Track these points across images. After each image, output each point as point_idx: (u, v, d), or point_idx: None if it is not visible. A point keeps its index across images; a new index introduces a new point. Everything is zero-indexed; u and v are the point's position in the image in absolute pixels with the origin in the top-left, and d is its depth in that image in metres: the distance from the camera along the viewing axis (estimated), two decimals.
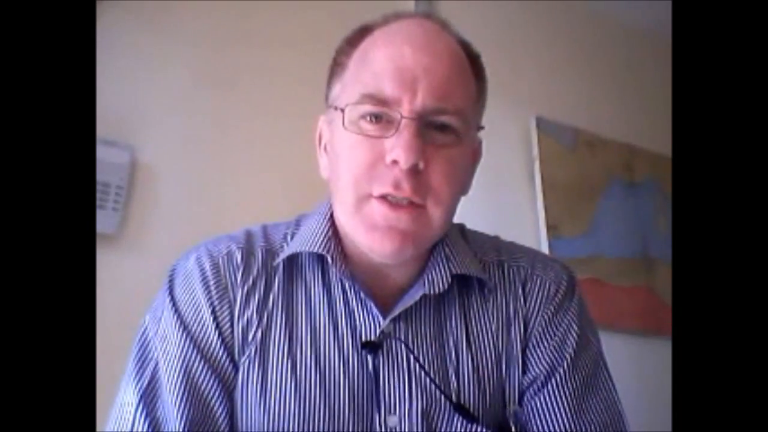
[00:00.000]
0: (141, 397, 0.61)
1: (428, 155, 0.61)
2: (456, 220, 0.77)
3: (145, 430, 0.59)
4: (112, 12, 1.36)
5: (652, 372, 1.71)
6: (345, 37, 0.70)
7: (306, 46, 1.57)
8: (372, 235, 0.62)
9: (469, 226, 0.79)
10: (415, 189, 0.60)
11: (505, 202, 1.77)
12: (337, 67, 0.69)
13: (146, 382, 0.62)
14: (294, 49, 1.56)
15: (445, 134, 0.63)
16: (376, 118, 0.62)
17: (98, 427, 0.60)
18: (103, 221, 1.24)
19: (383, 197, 0.61)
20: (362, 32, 0.68)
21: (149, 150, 1.35)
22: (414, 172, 0.60)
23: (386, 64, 0.62)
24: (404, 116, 0.60)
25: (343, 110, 0.63)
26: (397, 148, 0.59)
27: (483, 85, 0.70)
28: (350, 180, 0.62)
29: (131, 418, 0.60)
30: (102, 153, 1.25)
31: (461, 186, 0.67)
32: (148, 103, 1.38)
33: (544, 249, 1.72)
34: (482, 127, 0.69)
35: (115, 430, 0.60)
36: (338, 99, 0.66)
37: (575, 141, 1.91)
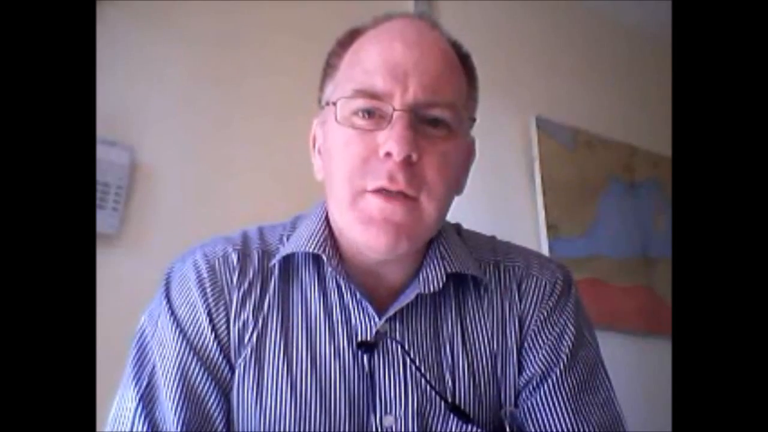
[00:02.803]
0: (140, 399, 0.61)
1: (421, 148, 0.61)
2: (456, 220, 0.77)
3: None
4: (112, 12, 1.37)
5: (652, 372, 1.71)
6: (336, 40, 0.70)
7: (306, 45, 1.56)
8: (367, 229, 0.61)
9: (469, 226, 0.79)
10: (409, 181, 0.60)
11: (505, 202, 1.77)
12: (329, 68, 0.69)
13: (144, 384, 0.62)
14: (294, 49, 1.56)
15: (438, 128, 0.63)
16: (369, 113, 0.62)
17: (98, 428, 0.60)
18: (103, 221, 1.24)
19: (378, 191, 0.61)
20: (353, 34, 0.69)
21: (149, 150, 1.35)
22: (407, 164, 0.60)
23: (377, 60, 0.63)
24: (396, 109, 0.61)
25: (335, 104, 0.63)
26: (390, 140, 0.59)
27: (474, 83, 0.70)
28: (344, 176, 0.62)
29: (130, 421, 0.60)
30: (102, 153, 1.25)
31: (455, 181, 0.67)
32: (148, 103, 1.38)
33: (544, 249, 1.72)
34: (474, 119, 0.70)
35: None
36: (331, 98, 0.66)
37: (575, 141, 1.91)
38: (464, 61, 0.69)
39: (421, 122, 0.62)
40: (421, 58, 0.63)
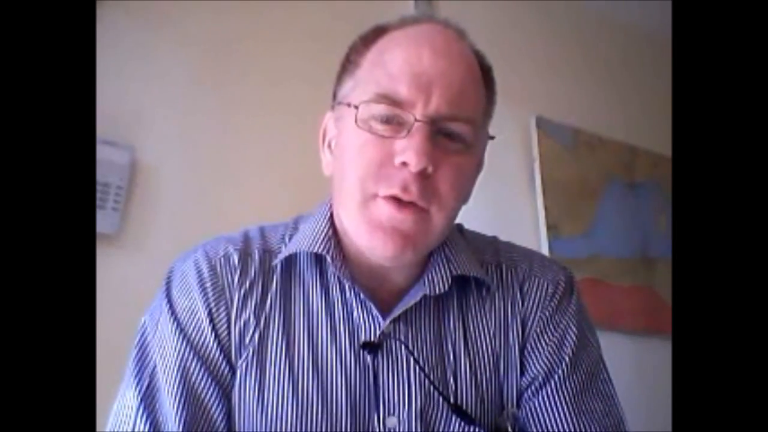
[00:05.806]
0: (141, 399, 0.61)
1: (437, 160, 0.61)
2: (456, 220, 0.77)
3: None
4: (112, 12, 1.36)
5: (652, 372, 1.71)
6: (359, 36, 0.69)
7: (306, 46, 1.57)
8: (374, 235, 0.61)
9: (469, 226, 0.79)
10: (422, 193, 0.60)
11: (505, 202, 1.77)
12: (349, 64, 0.68)
13: (146, 384, 0.62)
14: (294, 49, 1.56)
15: (455, 142, 0.63)
16: (388, 119, 0.62)
17: (98, 428, 0.60)
18: (103, 221, 1.24)
19: (390, 198, 0.61)
20: (377, 32, 0.68)
21: (149, 150, 1.35)
22: (422, 176, 0.60)
23: (403, 65, 0.62)
24: (417, 119, 0.60)
25: (357, 107, 0.62)
26: (409, 151, 0.59)
27: (492, 97, 0.70)
28: (357, 178, 0.62)
29: (132, 421, 0.60)
30: (102, 153, 1.25)
31: (465, 194, 0.67)
32: (148, 103, 1.38)
33: (544, 249, 1.72)
34: (492, 137, 0.69)
35: None
36: (349, 96, 0.66)
37: (575, 141, 1.91)
38: (486, 73, 0.69)
39: (439, 134, 0.62)
40: (447, 70, 0.62)
